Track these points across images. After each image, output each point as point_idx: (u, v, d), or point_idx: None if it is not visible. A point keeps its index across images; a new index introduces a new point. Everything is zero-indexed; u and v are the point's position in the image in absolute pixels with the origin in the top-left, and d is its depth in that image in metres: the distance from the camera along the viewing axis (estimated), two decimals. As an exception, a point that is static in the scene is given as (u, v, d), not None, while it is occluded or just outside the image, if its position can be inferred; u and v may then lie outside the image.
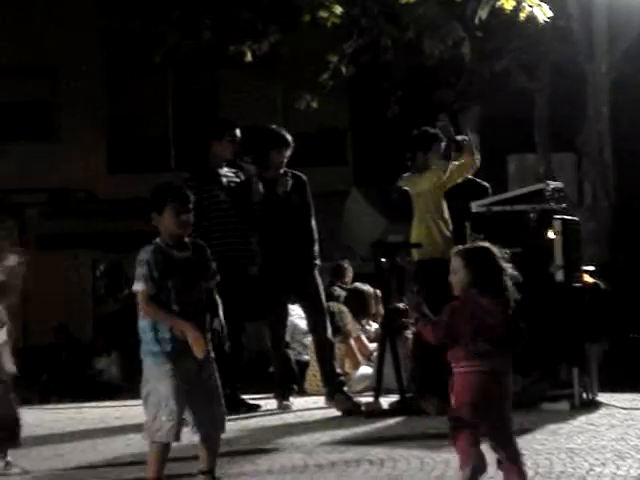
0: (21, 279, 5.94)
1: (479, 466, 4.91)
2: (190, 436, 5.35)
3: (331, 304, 10.29)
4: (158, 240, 5.29)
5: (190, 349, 5.16)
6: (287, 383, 9.20)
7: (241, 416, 8.27)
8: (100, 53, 23.09)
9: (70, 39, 22.49)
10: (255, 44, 14.57)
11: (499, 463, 4.97)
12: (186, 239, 5.35)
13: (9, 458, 6.27)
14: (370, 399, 8.61)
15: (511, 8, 10.40)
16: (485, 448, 4.92)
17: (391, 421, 7.95)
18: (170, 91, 23.93)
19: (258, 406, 8.96)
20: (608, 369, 8.84)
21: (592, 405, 8.19)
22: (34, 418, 9.63)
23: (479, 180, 9.30)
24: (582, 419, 7.52)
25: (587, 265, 9.11)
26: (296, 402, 9.17)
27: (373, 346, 10.44)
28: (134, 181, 21.57)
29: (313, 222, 9.04)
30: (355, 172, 21.81)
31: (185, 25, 17.11)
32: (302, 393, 10.02)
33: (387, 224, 8.34)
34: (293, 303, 9.91)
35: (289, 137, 9.03)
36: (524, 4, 10.38)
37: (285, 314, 9.20)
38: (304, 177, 9.13)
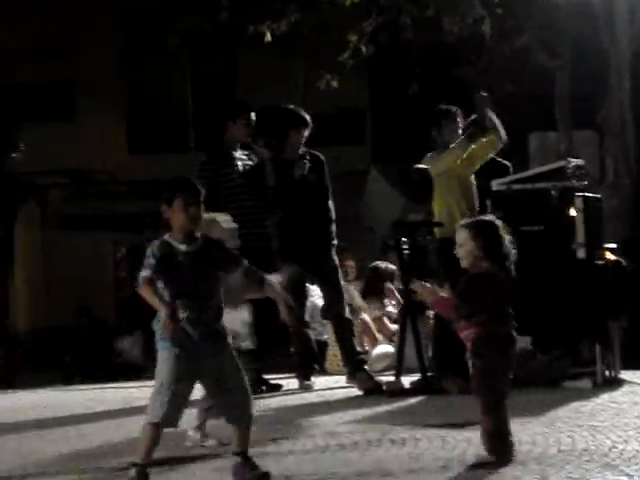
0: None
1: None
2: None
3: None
4: (166, 235, 5.30)
5: (206, 337, 5.19)
6: (308, 363, 9.22)
7: (263, 396, 8.29)
8: (118, 34, 23.08)
9: (88, 20, 22.50)
10: (274, 23, 14.53)
11: None
12: (197, 233, 5.33)
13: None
14: (391, 378, 8.61)
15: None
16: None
17: (412, 400, 7.95)
18: (189, 71, 23.92)
19: (280, 386, 8.99)
20: (629, 346, 8.80)
21: (615, 383, 8.17)
22: (57, 399, 9.72)
23: (500, 159, 9.28)
24: (605, 397, 7.50)
25: (609, 242, 9.06)
26: (317, 382, 9.19)
27: (395, 327, 10.44)
28: (154, 162, 21.62)
29: (331, 202, 9.03)
30: (374, 151, 21.76)
31: (203, 5, 17.09)
32: (323, 373, 10.04)
33: (407, 203, 8.29)
34: (312, 283, 9.92)
35: (307, 117, 9.01)
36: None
37: (304, 294, 9.20)
38: (322, 157, 9.11)
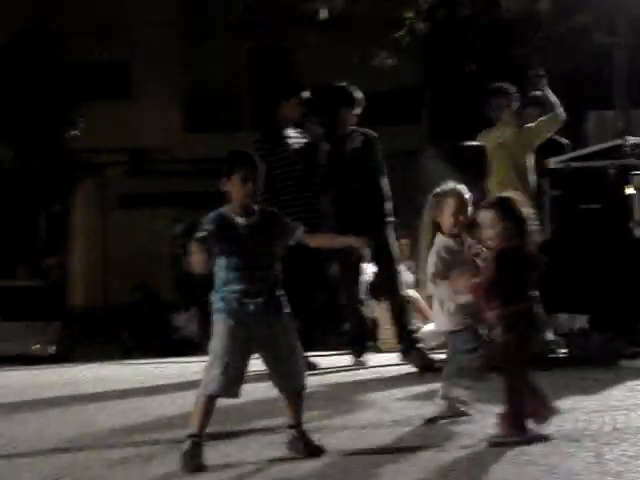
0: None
1: None
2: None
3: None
4: (223, 208, 5.34)
5: (262, 308, 5.23)
6: (362, 340, 9.24)
7: (316, 372, 8.33)
8: (176, 13, 23.20)
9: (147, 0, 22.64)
10: (330, 2, 14.53)
11: None
12: (255, 206, 5.36)
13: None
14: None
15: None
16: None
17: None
18: (246, 50, 23.98)
19: (316, 365, 8.85)
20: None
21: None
22: (114, 373, 9.85)
23: (557, 137, 9.23)
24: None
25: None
26: (371, 359, 9.21)
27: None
28: (211, 140, 21.74)
29: (384, 179, 9.02)
30: (431, 130, 21.70)
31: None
32: (377, 350, 10.05)
33: (462, 181, 8.27)
34: (367, 261, 9.92)
35: (359, 95, 9.01)
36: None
37: (359, 272, 9.22)
38: (374, 134, 9.10)
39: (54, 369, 11.21)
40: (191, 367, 9.50)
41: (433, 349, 9.67)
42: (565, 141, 9.36)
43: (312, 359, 8.62)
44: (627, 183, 8.25)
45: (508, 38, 16.70)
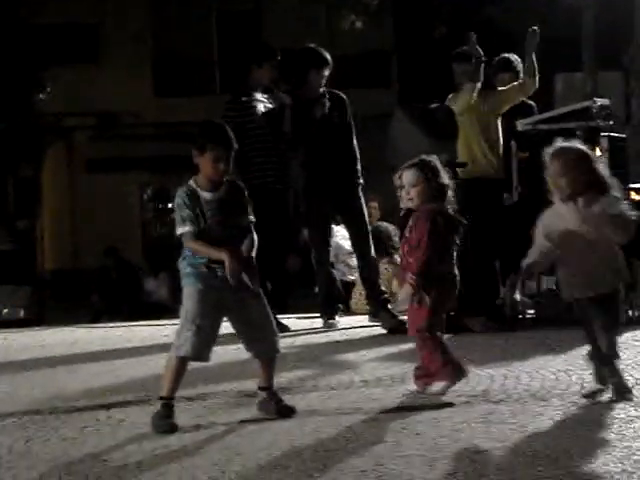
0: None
1: None
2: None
3: (380, 224, 10.28)
4: (191, 181, 5.32)
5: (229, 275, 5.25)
6: (332, 302, 9.29)
7: (287, 334, 8.38)
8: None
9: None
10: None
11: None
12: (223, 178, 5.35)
13: None
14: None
15: None
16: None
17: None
18: (214, 13, 23.84)
19: (287, 327, 8.89)
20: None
21: (638, 322, 8.20)
22: (85, 336, 9.85)
23: (525, 99, 9.25)
24: (628, 335, 7.50)
25: (634, 182, 9.05)
26: (342, 321, 9.27)
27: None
28: (180, 104, 21.66)
29: (355, 141, 9.04)
30: (400, 94, 21.68)
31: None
32: (348, 312, 10.11)
33: (432, 143, 8.29)
34: (337, 224, 9.96)
35: (328, 56, 9.00)
36: None
37: (329, 234, 9.26)
38: (344, 96, 9.11)
39: (24, 332, 11.19)
40: (162, 330, 9.53)
41: (404, 311, 9.75)
42: (533, 103, 9.39)
43: (283, 321, 8.67)
44: (595, 145, 8.29)
45: (476, 0, 16.72)
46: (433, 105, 8.75)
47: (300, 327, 9.12)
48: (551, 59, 15.88)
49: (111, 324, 12.04)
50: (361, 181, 9.02)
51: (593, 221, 5.15)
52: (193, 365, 5.35)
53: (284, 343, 7.28)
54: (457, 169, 8.63)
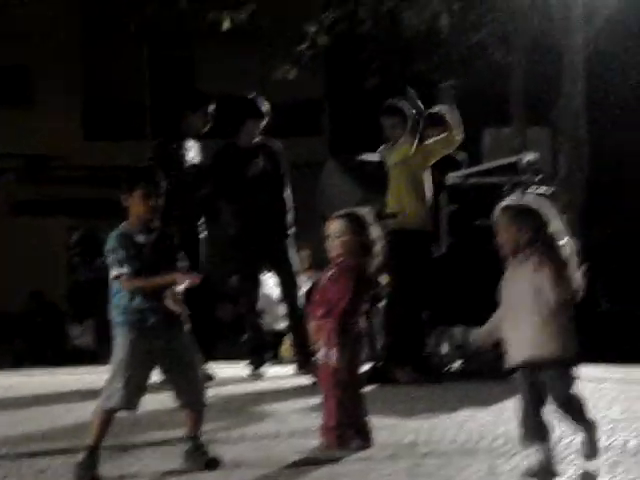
0: None
1: None
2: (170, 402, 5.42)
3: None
4: (123, 225, 5.31)
5: (162, 322, 5.21)
6: (260, 351, 9.26)
7: (214, 383, 8.32)
8: (77, 19, 22.95)
9: (47, 4, 22.33)
10: (233, 13, 14.54)
11: None
12: (154, 223, 5.34)
13: None
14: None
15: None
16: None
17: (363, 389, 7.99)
18: (147, 58, 23.83)
19: (212, 377, 8.83)
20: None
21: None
22: (6, 381, 9.68)
23: (454, 152, 9.35)
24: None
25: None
26: (269, 370, 9.24)
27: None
28: (110, 148, 21.55)
29: (287, 191, 9.07)
30: (331, 143, 21.82)
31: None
32: (278, 361, 10.08)
33: (363, 194, 8.36)
34: (266, 273, 9.95)
35: (265, 107, 9.05)
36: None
37: (258, 283, 9.26)
38: (278, 146, 9.15)
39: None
40: (86, 377, 9.41)
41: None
42: (462, 157, 9.50)
43: (209, 370, 8.60)
44: (523, 199, 8.40)
45: (408, 54, 16.91)
46: (364, 156, 8.82)
47: (227, 376, 9.06)
48: (480, 114, 16.15)
49: (33, 370, 11.86)
50: (291, 232, 9.04)
51: (529, 280, 4.87)
52: (120, 413, 5.29)
53: (210, 392, 7.25)
54: (387, 220, 8.73)
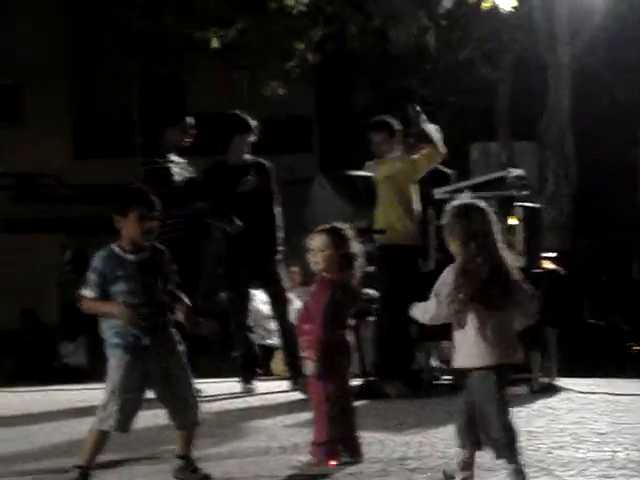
0: None
1: None
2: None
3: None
4: (113, 245, 5.31)
5: (156, 343, 5.25)
6: (251, 366, 9.29)
7: (204, 399, 8.33)
8: (66, 38, 22.99)
9: (36, 22, 22.37)
10: (222, 30, 14.61)
11: None
12: (145, 242, 5.34)
13: None
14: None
15: (475, -1, 10.53)
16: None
17: (354, 404, 8.02)
18: (136, 77, 23.86)
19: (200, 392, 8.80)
20: (565, 353, 8.98)
21: (551, 389, 8.32)
22: (-1, 401, 9.68)
23: (442, 167, 9.42)
24: (541, 403, 7.64)
25: (547, 252, 9.24)
26: (260, 385, 9.26)
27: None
28: (101, 166, 21.57)
29: (277, 208, 9.13)
30: (321, 159, 21.87)
31: (150, 10, 17.10)
32: (269, 376, 10.10)
33: (352, 210, 8.40)
34: (256, 288, 9.98)
35: (253, 123, 9.10)
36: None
37: (248, 298, 9.29)
38: (268, 164, 9.21)
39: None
40: (78, 395, 9.42)
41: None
42: (450, 171, 9.57)
43: (199, 386, 8.62)
44: (509, 214, 8.47)
45: (396, 70, 17.00)
46: (353, 172, 8.87)
47: (217, 392, 9.08)
48: (467, 129, 16.26)
49: (25, 388, 11.84)
50: (281, 248, 9.10)
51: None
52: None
53: (201, 408, 7.27)
54: (375, 235, 8.79)
